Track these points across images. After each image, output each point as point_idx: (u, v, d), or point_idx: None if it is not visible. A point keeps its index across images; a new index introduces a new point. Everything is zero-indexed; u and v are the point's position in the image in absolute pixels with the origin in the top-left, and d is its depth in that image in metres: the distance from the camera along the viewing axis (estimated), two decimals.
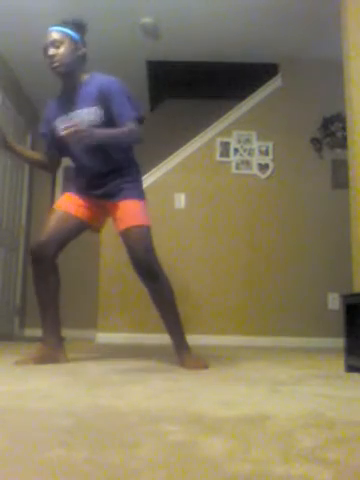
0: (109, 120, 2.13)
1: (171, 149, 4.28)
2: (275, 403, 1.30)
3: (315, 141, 4.27)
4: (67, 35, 2.19)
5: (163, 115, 5.22)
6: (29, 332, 4.95)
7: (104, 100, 2.13)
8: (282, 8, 3.71)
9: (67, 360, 2.19)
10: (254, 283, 4.08)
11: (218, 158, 4.25)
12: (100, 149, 2.15)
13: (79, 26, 2.25)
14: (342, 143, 4.03)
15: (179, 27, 3.97)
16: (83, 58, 2.25)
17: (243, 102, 4.32)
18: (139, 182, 2.31)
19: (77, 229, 2.25)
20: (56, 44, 2.16)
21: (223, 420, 1.06)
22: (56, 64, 2.16)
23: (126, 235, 2.17)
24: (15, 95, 4.76)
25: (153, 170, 4.16)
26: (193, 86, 4.91)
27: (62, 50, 2.16)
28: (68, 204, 2.24)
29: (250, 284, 4.07)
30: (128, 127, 2.09)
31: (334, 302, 3.99)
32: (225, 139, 4.27)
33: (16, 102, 4.75)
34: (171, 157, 4.22)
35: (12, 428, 0.96)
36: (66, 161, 2.40)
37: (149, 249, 2.16)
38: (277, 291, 4.05)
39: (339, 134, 4.18)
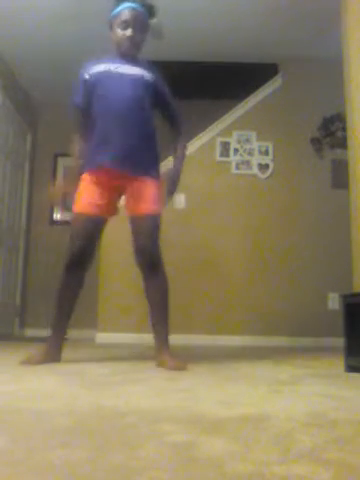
0: (152, 91, 2.26)
1: (171, 149, 4.27)
2: (275, 403, 1.30)
3: (315, 141, 4.27)
4: (146, 21, 2.27)
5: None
6: (29, 332, 4.95)
7: (154, 86, 2.26)
8: (282, 8, 3.71)
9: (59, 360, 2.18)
10: (254, 283, 4.07)
11: (218, 158, 4.25)
12: (144, 112, 2.21)
13: (151, 11, 2.32)
14: (342, 143, 4.03)
15: (179, 27, 3.97)
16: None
17: (243, 102, 4.32)
18: (159, 163, 2.34)
19: (102, 227, 2.26)
20: (138, 27, 2.22)
21: (223, 420, 1.06)
22: (132, 47, 2.24)
23: (139, 221, 2.18)
24: (15, 95, 4.76)
25: None
26: (193, 86, 4.90)
27: (141, 36, 2.25)
28: (88, 206, 2.19)
29: (250, 284, 4.07)
30: (182, 135, 2.44)
31: (334, 302, 3.99)
32: (225, 139, 4.27)
33: (16, 102, 4.75)
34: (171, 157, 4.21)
35: (12, 428, 0.96)
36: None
37: (156, 240, 2.18)
38: (277, 291, 4.05)
39: (339, 134, 4.18)
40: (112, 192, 2.24)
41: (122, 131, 2.16)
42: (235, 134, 4.27)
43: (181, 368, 2.02)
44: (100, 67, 2.25)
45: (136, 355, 2.76)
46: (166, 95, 2.36)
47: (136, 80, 2.21)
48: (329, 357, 2.86)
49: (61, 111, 3.72)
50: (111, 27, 2.27)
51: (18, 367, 1.99)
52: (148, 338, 3.85)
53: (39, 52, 4.29)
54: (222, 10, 3.76)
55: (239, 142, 4.26)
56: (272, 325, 3.98)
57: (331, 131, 4.23)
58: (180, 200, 4.15)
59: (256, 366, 2.29)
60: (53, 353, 2.15)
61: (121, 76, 2.21)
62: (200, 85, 4.88)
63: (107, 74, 2.23)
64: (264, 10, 3.75)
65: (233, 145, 4.25)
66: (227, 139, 4.26)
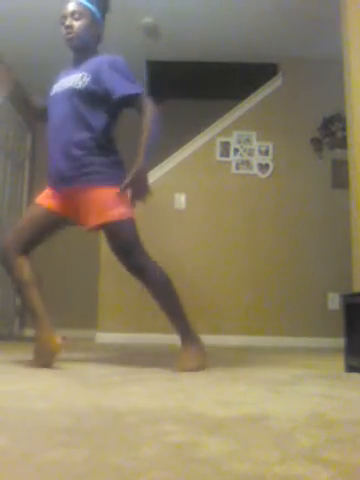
0: (96, 91, 2.05)
1: (171, 149, 4.28)
2: (275, 403, 1.30)
3: (315, 141, 4.27)
4: (88, 9, 2.12)
5: (163, 115, 5.22)
6: (29, 332, 4.94)
7: (97, 71, 2.05)
8: (282, 8, 3.71)
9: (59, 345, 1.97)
10: (254, 283, 4.07)
11: (218, 158, 4.25)
12: (78, 119, 2.05)
13: (103, 3, 2.18)
14: (342, 143, 4.03)
15: (179, 27, 3.97)
16: (98, 38, 2.20)
17: (243, 102, 4.32)
18: (116, 165, 2.09)
19: (52, 223, 2.15)
20: (75, 15, 2.09)
21: (223, 420, 1.06)
22: (72, 36, 2.10)
23: (105, 231, 2.05)
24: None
25: (153, 170, 4.16)
26: (193, 86, 4.91)
27: (80, 23, 2.10)
28: (44, 198, 2.17)
29: (250, 284, 4.07)
30: (148, 112, 2.15)
31: (334, 302, 3.99)
32: (225, 139, 4.27)
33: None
34: (171, 157, 4.22)
35: (12, 428, 0.96)
36: None
37: (132, 247, 2.03)
38: (277, 291, 4.05)
39: (339, 134, 4.18)
40: (73, 202, 2.11)
41: (57, 153, 2.09)
42: (235, 134, 4.27)
43: (194, 369, 1.96)
44: (52, 89, 2.19)
45: (136, 355, 2.76)
46: (104, 79, 2.04)
47: (66, 93, 2.08)
48: (329, 357, 2.86)
49: None
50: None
51: (18, 368, 1.99)
52: (148, 338, 3.87)
53: (39, 52, 4.29)
54: (222, 10, 3.75)
55: (239, 142, 4.26)
56: (272, 325, 3.98)
57: (331, 131, 4.22)
58: (180, 200, 4.15)
59: (256, 366, 2.29)
60: (47, 344, 1.96)
61: (57, 97, 2.13)
62: (200, 85, 4.88)
63: (51, 99, 2.17)
64: (264, 10, 3.75)
65: (233, 145, 4.25)
66: (227, 139, 4.26)
